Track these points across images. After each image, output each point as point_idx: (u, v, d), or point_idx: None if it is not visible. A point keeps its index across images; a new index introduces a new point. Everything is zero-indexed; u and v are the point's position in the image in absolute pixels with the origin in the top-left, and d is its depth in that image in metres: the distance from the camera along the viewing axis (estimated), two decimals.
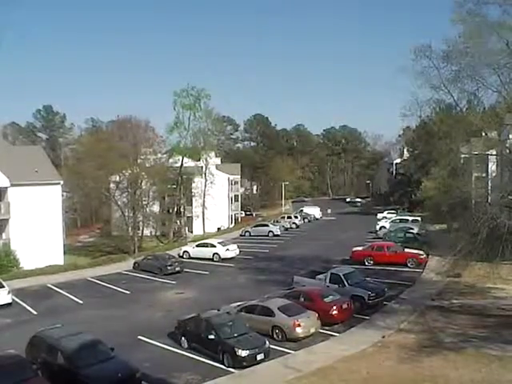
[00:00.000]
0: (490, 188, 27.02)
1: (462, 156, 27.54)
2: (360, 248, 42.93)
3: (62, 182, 48.04)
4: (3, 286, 32.34)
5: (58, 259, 45.51)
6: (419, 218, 60.42)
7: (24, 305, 32.27)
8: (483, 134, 24.50)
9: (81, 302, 33.14)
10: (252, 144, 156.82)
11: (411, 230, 51.33)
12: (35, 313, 30.56)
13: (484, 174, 28.43)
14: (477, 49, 21.63)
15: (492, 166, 27.55)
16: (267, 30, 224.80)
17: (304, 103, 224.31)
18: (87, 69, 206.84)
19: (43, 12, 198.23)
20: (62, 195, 50.07)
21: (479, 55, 21.67)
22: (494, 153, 25.21)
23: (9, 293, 32.18)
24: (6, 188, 43.36)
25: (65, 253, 48.00)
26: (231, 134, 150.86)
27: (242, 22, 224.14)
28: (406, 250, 40.96)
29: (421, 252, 40.74)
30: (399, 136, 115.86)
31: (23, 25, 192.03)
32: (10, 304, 31.88)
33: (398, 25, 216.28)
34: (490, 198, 25.75)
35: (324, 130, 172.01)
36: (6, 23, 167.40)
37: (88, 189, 61.41)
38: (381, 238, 51.63)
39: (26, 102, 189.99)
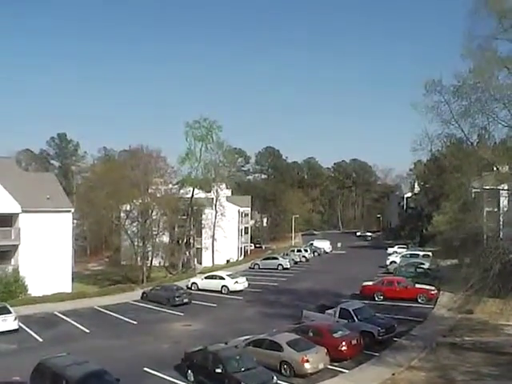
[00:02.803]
0: (501, 223, 26.82)
1: (474, 190, 27.43)
2: (370, 283, 42.55)
3: (73, 210, 48.34)
4: (10, 312, 32.32)
5: (66, 287, 45.48)
6: (430, 253, 59.78)
7: (30, 332, 32.13)
8: (494, 168, 24.43)
9: (87, 330, 32.93)
10: (263, 176, 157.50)
11: (422, 265, 50.79)
12: (41, 340, 30.43)
13: (496, 209, 28.24)
14: (487, 83, 21.76)
15: (504, 201, 27.40)
16: (278, 64, 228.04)
17: (315, 136, 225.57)
18: (101, 98, 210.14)
19: (59, 40, 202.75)
20: (73, 222, 50.28)
21: (489, 90, 21.78)
22: (506, 187, 25.12)
23: (15, 319, 32.14)
24: (18, 214, 43.67)
25: (73, 280, 48.01)
26: (242, 166, 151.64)
27: (254, 56, 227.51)
28: (417, 285, 40.54)
29: (432, 287, 40.22)
30: (410, 170, 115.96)
31: (39, 52, 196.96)
32: (16, 330, 31.81)
33: (408, 59, 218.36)
34: (501, 232, 25.53)
35: (335, 164, 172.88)
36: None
37: (98, 217, 61.76)
38: (391, 273, 51.01)
39: (40, 129, 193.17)
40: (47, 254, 43.78)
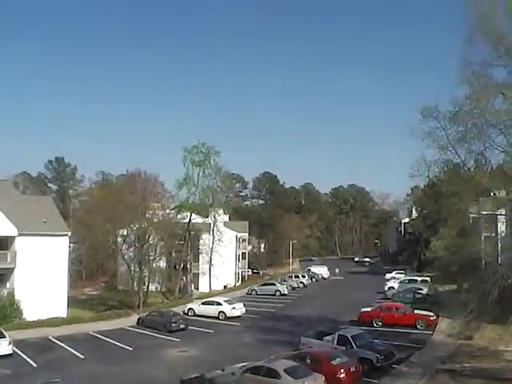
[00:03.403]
0: (499, 248, 26.81)
1: (471, 216, 27.50)
2: (368, 309, 42.26)
3: (69, 234, 48.21)
4: (4, 337, 32.07)
5: (62, 311, 45.11)
6: (428, 279, 59.68)
7: (24, 357, 31.77)
8: (492, 193, 24.51)
9: (82, 356, 32.51)
10: (260, 202, 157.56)
11: (420, 291, 50.56)
12: (35, 365, 30.07)
13: (493, 234, 28.27)
14: (483, 109, 21.97)
15: (501, 226, 27.46)
16: (276, 90, 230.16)
17: (312, 162, 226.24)
18: (100, 123, 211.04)
19: (57, 63, 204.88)
20: (69, 247, 50.10)
21: (485, 116, 21.99)
22: (503, 212, 25.18)
23: (10, 343, 31.86)
24: (14, 237, 43.58)
25: (69, 305, 47.61)
26: (240, 192, 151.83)
27: (252, 82, 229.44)
28: (416, 311, 40.28)
29: (430, 313, 40.00)
30: (407, 195, 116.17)
31: (38, 76, 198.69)
32: (10, 355, 31.50)
33: (405, 86, 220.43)
34: (500, 258, 25.49)
35: (332, 189, 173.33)
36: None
37: (95, 241, 61.40)
38: (389, 299, 50.85)
39: (38, 152, 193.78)
40: (43, 278, 43.55)
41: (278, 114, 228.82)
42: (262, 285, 67.20)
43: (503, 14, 21.99)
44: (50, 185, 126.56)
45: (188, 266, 72.63)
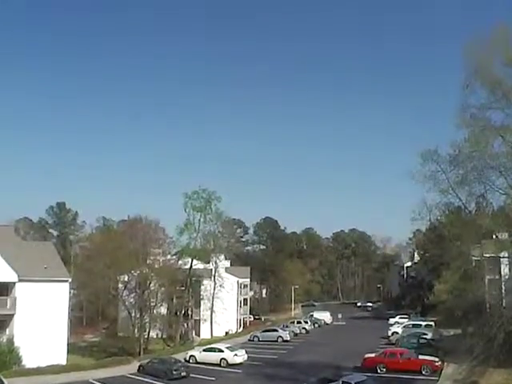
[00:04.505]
0: (504, 291, 26.64)
1: (474, 258, 27.45)
2: (372, 354, 41.55)
3: (70, 280, 47.99)
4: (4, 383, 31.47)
5: (61, 358, 44.40)
6: (432, 323, 58.92)
7: None
8: (494, 235, 24.57)
9: None
10: (261, 247, 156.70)
11: (425, 336, 49.82)
12: None
13: (497, 277, 28.11)
14: (482, 152, 22.31)
15: (505, 269, 27.34)
16: (276, 136, 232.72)
17: (313, 207, 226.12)
18: (101, 169, 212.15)
19: (58, 110, 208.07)
20: (70, 292, 49.79)
21: (485, 158, 22.31)
22: (506, 255, 25.16)
23: None
24: (14, 283, 43.37)
25: (69, 352, 46.90)
26: (241, 237, 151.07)
27: (251, 127, 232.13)
28: (420, 356, 39.43)
29: (435, 358, 39.12)
30: (409, 239, 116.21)
31: (39, 123, 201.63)
32: None
33: (405, 130, 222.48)
34: (504, 301, 25.32)
35: (333, 234, 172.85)
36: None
37: (96, 287, 61.01)
38: (393, 344, 50.07)
39: (39, 198, 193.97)
40: (43, 325, 43.11)
41: (278, 160, 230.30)
42: (264, 331, 66.23)
43: (499, 60, 22.63)
44: (51, 230, 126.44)
45: (189, 312, 72.02)
